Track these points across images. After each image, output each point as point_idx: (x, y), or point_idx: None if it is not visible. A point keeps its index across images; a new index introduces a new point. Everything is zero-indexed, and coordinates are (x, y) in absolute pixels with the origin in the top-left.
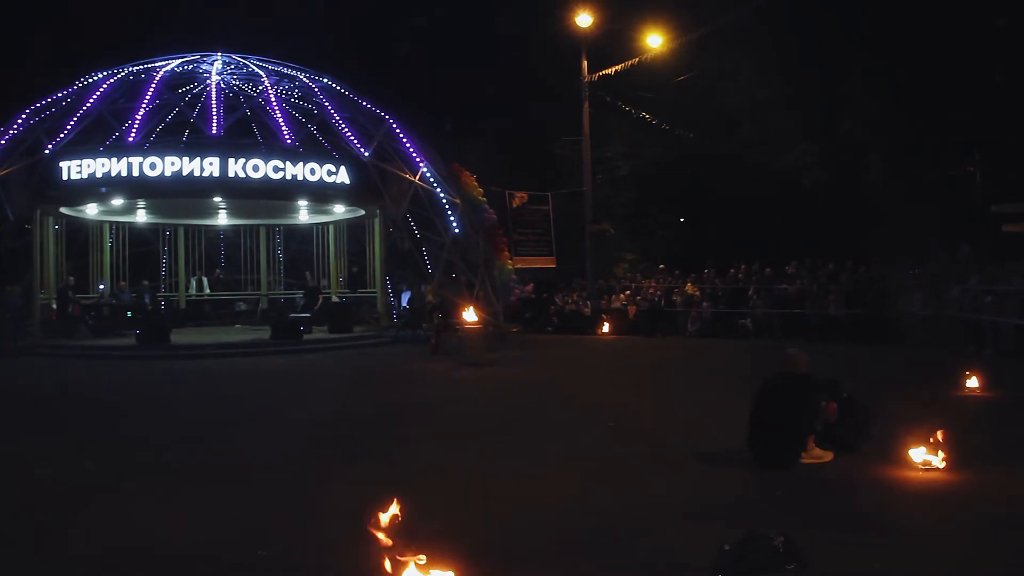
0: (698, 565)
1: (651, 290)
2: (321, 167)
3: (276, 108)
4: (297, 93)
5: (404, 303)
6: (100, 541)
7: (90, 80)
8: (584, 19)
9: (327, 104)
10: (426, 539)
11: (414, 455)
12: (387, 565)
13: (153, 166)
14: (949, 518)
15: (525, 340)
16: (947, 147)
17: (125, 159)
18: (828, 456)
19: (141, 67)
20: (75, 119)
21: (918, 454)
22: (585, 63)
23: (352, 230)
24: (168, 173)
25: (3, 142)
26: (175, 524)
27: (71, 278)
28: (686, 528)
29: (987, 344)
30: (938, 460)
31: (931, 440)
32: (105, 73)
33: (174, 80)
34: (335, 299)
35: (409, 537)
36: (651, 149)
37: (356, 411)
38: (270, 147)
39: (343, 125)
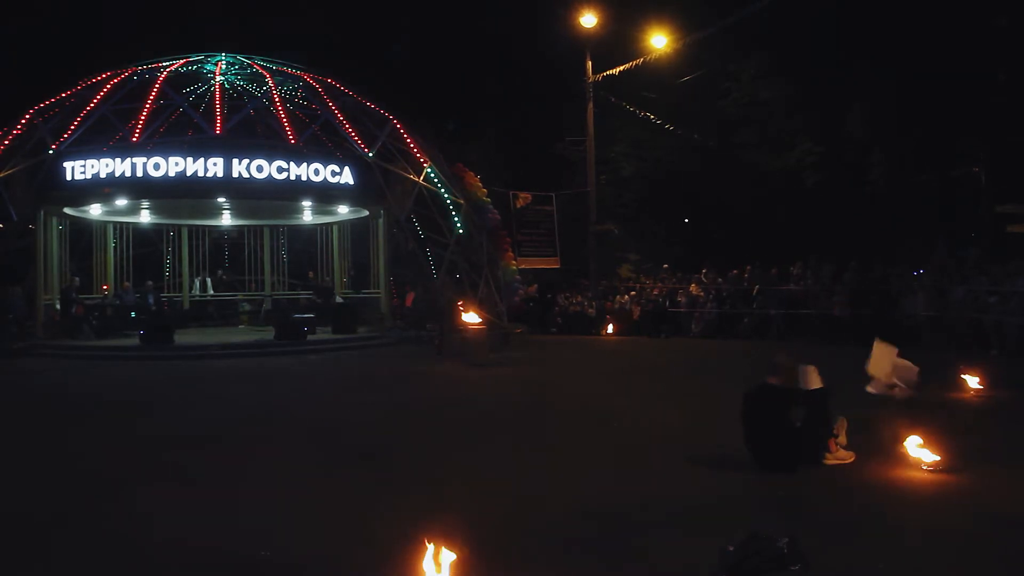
0: (701, 566)
1: (655, 291)
2: (325, 167)
3: (280, 108)
4: (301, 93)
5: (408, 304)
6: (108, 539)
7: (94, 80)
8: (588, 19)
9: (331, 104)
10: (428, 538)
11: (417, 455)
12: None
13: (157, 166)
14: (951, 518)
15: (529, 341)
16: (951, 147)
17: (129, 159)
18: (851, 457)
19: (145, 67)
20: (79, 119)
21: (919, 454)
22: (589, 63)
23: (356, 230)
24: (172, 173)
25: (7, 142)
26: (182, 524)
27: (75, 279)
28: (689, 529)
29: (992, 344)
30: (938, 460)
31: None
32: (109, 73)
33: (178, 80)
34: (339, 299)
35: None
36: (655, 150)
37: (361, 412)
38: (274, 147)
39: (347, 125)
